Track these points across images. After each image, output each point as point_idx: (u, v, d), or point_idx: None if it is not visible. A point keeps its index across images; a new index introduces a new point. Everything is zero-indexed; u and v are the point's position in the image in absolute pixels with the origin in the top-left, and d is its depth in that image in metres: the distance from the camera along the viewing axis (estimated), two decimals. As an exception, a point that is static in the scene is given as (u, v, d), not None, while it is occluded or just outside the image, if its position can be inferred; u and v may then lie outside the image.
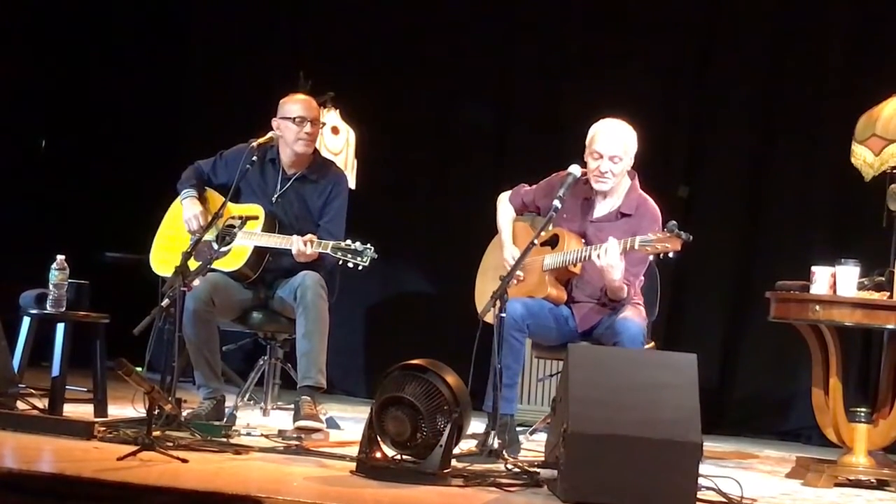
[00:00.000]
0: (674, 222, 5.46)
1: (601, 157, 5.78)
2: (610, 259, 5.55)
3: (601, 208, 5.92)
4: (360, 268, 5.82)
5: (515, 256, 5.77)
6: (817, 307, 5.58)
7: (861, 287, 5.62)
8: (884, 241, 6.02)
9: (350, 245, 5.82)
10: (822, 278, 5.60)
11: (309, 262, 5.97)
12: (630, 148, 5.82)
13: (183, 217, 6.24)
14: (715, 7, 7.85)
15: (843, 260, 5.59)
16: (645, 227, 5.73)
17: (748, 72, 7.74)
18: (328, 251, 5.87)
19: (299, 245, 5.90)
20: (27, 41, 8.50)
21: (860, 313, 5.54)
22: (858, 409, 5.69)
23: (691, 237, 5.42)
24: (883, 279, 5.67)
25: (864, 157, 6.02)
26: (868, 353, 6.16)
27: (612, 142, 5.78)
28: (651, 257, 5.62)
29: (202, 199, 6.29)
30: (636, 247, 5.52)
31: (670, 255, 5.48)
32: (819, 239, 7.38)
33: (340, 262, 5.88)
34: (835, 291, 5.58)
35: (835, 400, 5.71)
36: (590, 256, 5.67)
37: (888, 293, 5.58)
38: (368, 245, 5.80)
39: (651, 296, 6.11)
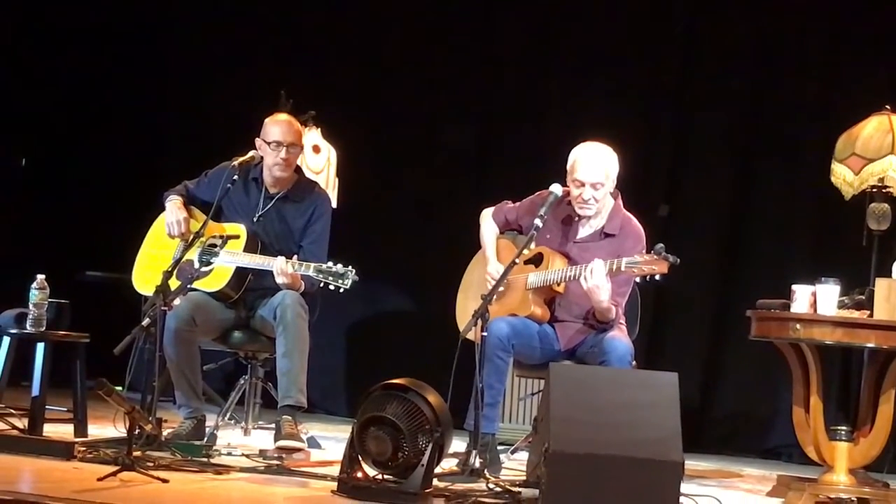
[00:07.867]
0: (661, 245, 5.44)
1: (583, 185, 5.77)
2: (596, 280, 5.54)
3: (585, 229, 5.90)
4: (341, 290, 5.81)
5: (500, 272, 5.75)
6: (798, 326, 5.58)
7: (841, 306, 5.62)
8: (864, 260, 6.04)
9: (331, 268, 5.82)
10: (803, 297, 5.60)
11: (292, 286, 5.94)
12: (612, 172, 5.81)
13: (165, 220, 6.21)
14: (695, 28, 7.87)
15: (823, 278, 5.60)
16: (628, 247, 5.74)
17: (728, 90, 7.76)
18: (310, 272, 5.86)
19: (281, 265, 5.90)
20: (6, 60, 8.48)
21: (840, 332, 5.53)
22: (839, 428, 5.69)
23: (678, 260, 5.42)
24: (863, 298, 5.68)
25: (843, 176, 6.05)
26: (848, 371, 6.15)
27: (594, 169, 5.77)
28: (637, 279, 5.61)
29: (187, 209, 6.27)
30: (623, 268, 5.51)
31: (657, 277, 5.47)
32: (799, 257, 7.40)
33: (322, 285, 5.88)
34: (815, 310, 5.58)
35: (815, 418, 5.71)
36: (575, 277, 5.65)
37: (868, 312, 5.59)
38: (350, 268, 5.79)
39: (631, 315, 6.10)
